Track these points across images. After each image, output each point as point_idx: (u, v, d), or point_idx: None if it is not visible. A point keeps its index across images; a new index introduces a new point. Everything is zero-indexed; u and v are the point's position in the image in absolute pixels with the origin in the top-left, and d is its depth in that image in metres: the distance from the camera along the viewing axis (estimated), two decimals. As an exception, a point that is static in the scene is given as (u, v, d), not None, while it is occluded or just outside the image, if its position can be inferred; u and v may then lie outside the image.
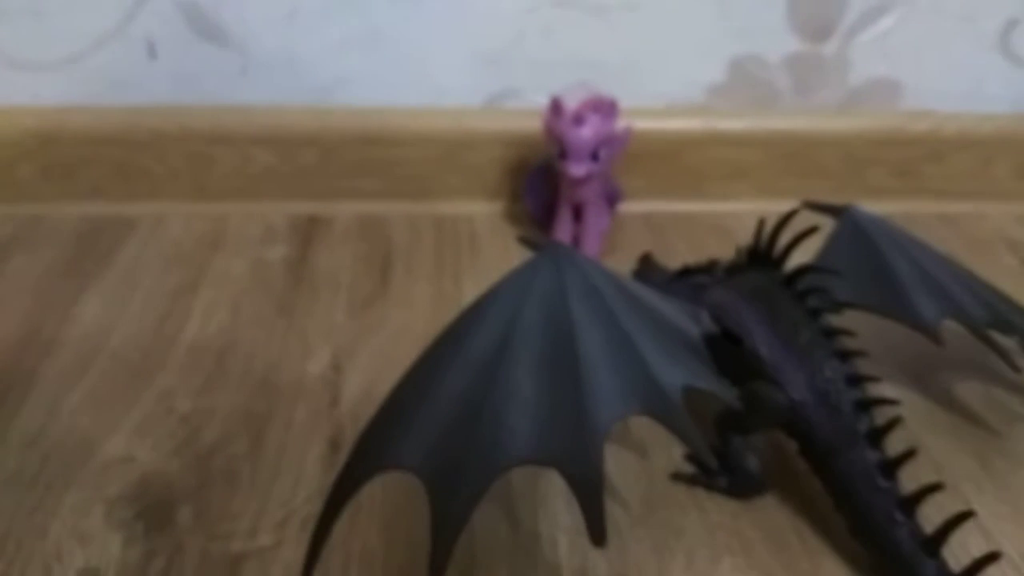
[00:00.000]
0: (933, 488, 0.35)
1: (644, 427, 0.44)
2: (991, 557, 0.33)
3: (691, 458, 0.43)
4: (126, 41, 0.63)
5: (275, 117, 0.65)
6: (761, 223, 0.43)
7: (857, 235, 0.46)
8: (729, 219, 0.67)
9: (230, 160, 0.66)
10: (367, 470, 0.32)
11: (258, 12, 0.62)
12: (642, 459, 0.43)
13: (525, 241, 0.38)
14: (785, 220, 0.42)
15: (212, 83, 0.65)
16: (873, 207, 0.49)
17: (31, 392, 0.47)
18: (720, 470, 0.41)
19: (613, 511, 0.40)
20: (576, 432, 0.29)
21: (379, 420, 0.33)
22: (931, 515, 0.35)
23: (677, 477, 0.42)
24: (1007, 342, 0.46)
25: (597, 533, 0.28)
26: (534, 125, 0.62)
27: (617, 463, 0.43)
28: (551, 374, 0.31)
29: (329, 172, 0.67)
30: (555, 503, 0.40)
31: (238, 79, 0.65)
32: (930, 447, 0.44)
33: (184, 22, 0.62)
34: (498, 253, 0.62)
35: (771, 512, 0.40)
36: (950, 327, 0.44)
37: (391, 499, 0.40)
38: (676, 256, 0.59)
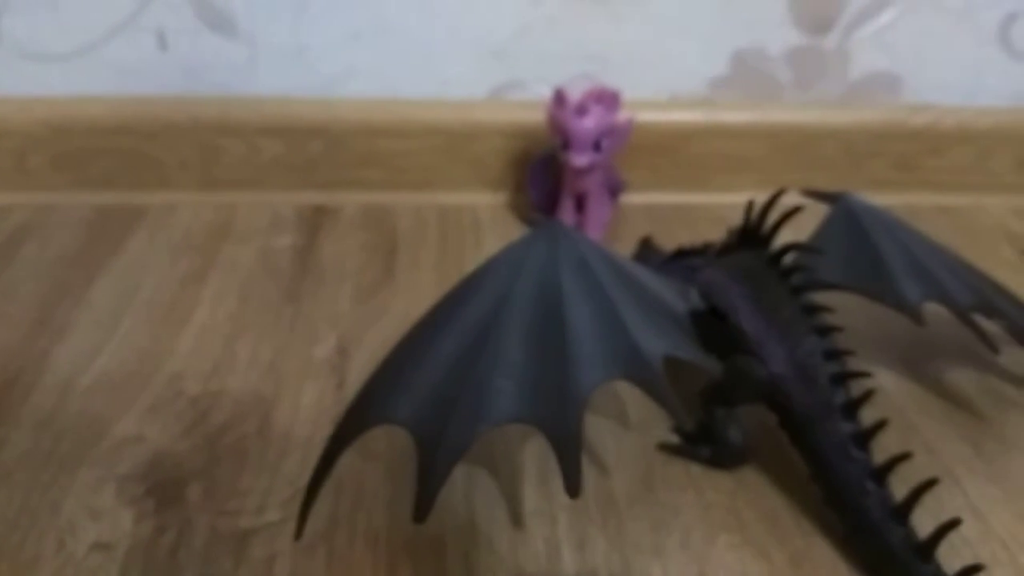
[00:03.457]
0: (902, 458, 0.36)
1: (643, 409, 0.45)
2: (952, 524, 0.34)
3: (678, 430, 0.44)
4: (137, 32, 0.64)
5: (283, 108, 0.66)
6: (750, 204, 0.44)
7: (849, 221, 0.47)
8: (731, 211, 0.66)
9: (238, 150, 0.67)
10: (362, 423, 0.34)
11: (267, 4, 0.63)
12: (641, 441, 0.44)
13: (532, 221, 0.39)
14: (772, 200, 0.43)
15: (221, 74, 0.66)
16: (874, 199, 0.49)
17: (43, 374, 0.48)
18: (703, 440, 0.42)
19: (612, 489, 0.41)
20: (559, 395, 0.31)
21: (376, 379, 0.35)
22: (927, 502, 0.36)
23: (663, 447, 0.43)
24: (992, 327, 0.47)
25: (573, 485, 0.30)
26: (537, 117, 0.63)
27: (616, 444, 0.43)
28: (539, 340, 0.33)
29: (336, 163, 0.68)
30: (556, 482, 0.41)
31: (247, 70, 0.66)
32: (923, 431, 0.45)
33: (194, 13, 0.63)
34: (501, 243, 0.61)
35: (767, 492, 0.41)
36: (938, 313, 0.45)
37: (396, 478, 0.41)
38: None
